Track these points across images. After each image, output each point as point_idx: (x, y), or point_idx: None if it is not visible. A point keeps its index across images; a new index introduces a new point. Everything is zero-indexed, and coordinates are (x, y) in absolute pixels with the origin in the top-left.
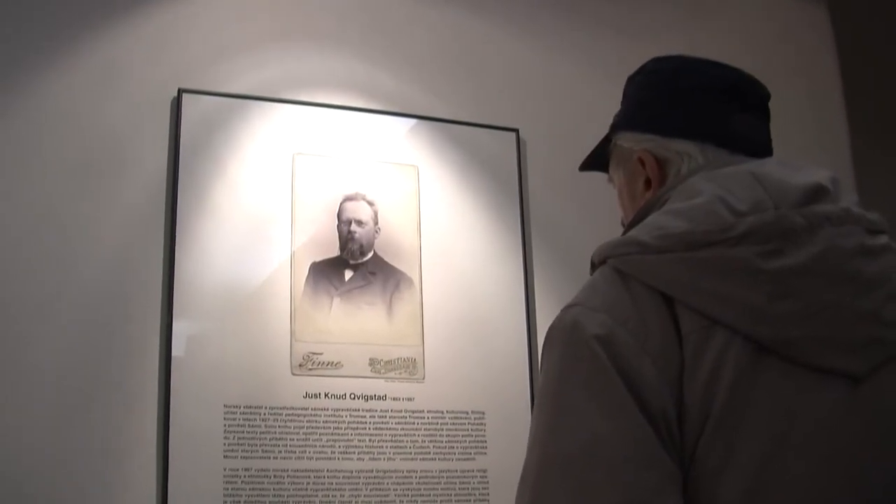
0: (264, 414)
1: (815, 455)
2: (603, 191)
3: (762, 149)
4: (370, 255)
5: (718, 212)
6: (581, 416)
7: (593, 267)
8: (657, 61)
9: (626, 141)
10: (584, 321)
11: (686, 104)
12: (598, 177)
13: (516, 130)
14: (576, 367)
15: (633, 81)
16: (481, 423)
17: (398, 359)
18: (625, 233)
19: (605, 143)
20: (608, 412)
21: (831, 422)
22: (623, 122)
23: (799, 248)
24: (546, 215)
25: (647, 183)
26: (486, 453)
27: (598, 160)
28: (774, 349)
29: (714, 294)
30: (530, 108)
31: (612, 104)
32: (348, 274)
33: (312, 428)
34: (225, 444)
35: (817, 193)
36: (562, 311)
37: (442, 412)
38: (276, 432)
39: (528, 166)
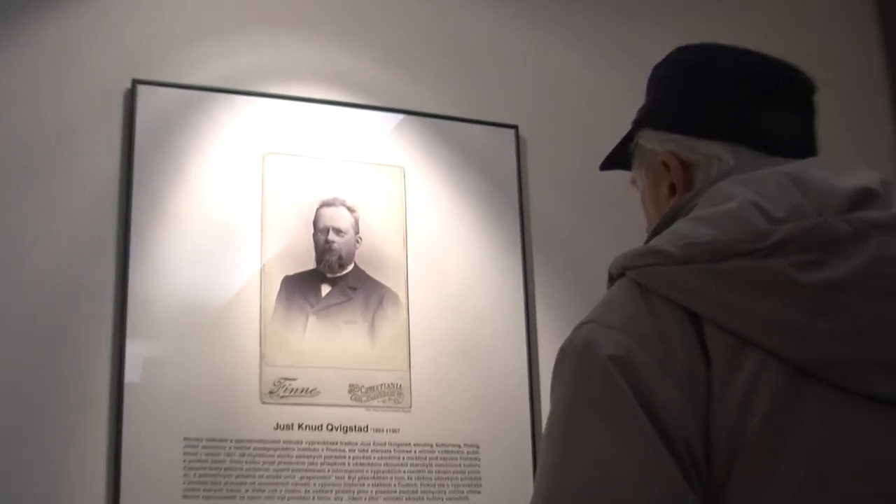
0: (230, 448)
1: (862, 495)
2: (615, 195)
3: (804, 148)
4: (350, 267)
5: (750, 218)
6: (594, 446)
7: (611, 280)
8: (682, 51)
9: (649, 141)
10: (599, 340)
11: (715, 99)
12: (608, 179)
13: (515, 127)
14: (589, 392)
15: (657, 72)
16: (475, 458)
17: (382, 385)
18: (647, 241)
19: (628, 141)
20: (625, 442)
21: (881, 456)
22: (646, 119)
23: (843, 260)
24: (549, 222)
25: (672, 188)
26: (480, 492)
27: (619, 159)
28: (815, 373)
29: (744, 311)
30: (530, 101)
31: (622, 96)
32: (325, 289)
33: (284, 463)
34: (185, 483)
35: (865, 198)
36: (574, 329)
37: (431, 445)
38: (243, 468)
39: (528, 167)
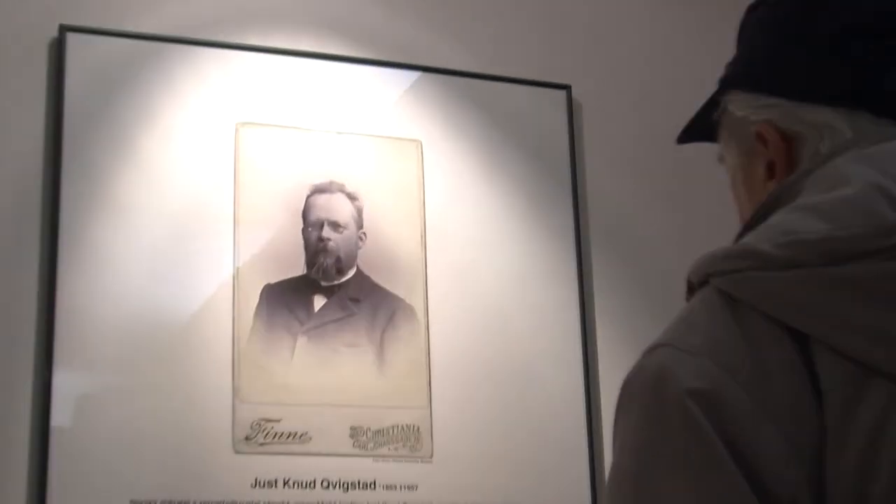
0: None
1: None
2: (697, 174)
3: None
4: (351, 273)
5: (875, 208)
6: None
7: (690, 289)
8: None
9: (741, 106)
10: (676, 369)
11: (828, 52)
12: (687, 154)
13: (567, 88)
14: (663, 439)
15: (751, 16)
16: None
17: (394, 427)
18: (738, 238)
19: (712, 106)
20: None
21: None
22: (736, 78)
23: None
24: (612, 211)
25: (771, 168)
26: None
27: (702, 129)
28: None
29: (869, 329)
30: (586, 55)
31: (702, 48)
32: (319, 301)
33: None
34: None
35: None
36: (644, 354)
37: None
38: None
39: (583, 139)
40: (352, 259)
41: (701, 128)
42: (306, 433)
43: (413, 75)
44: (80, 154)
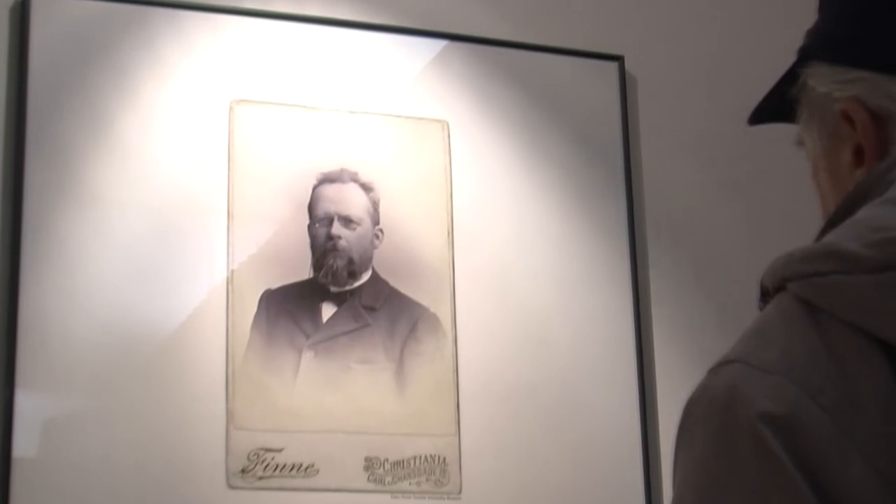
0: None
1: None
2: (772, 159)
3: None
4: (366, 277)
5: None
6: None
7: (764, 296)
8: None
9: (823, 81)
10: (748, 390)
11: None
12: (761, 136)
13: (619, 59)
14: (732, 471)
15: None
16: None
17: (416, 458)
18: (820, 236)
19: (790, 80)
20: None
21: None
22: (817, 48)
23: None
24: (671, 203)
25: (859, 153)
26: None
27: (778, 107)
28: None
29: None
30: (641, 22)
31: (777, 12)
32: (328, 310)
33: None
34: None
35: None
36: (710, 371)
37: None
38: None
39: (638, 119)
40: (366, 260)
41: (776, 106)
42: (313, 465)
43: (438, 44)
44: (46, 137)
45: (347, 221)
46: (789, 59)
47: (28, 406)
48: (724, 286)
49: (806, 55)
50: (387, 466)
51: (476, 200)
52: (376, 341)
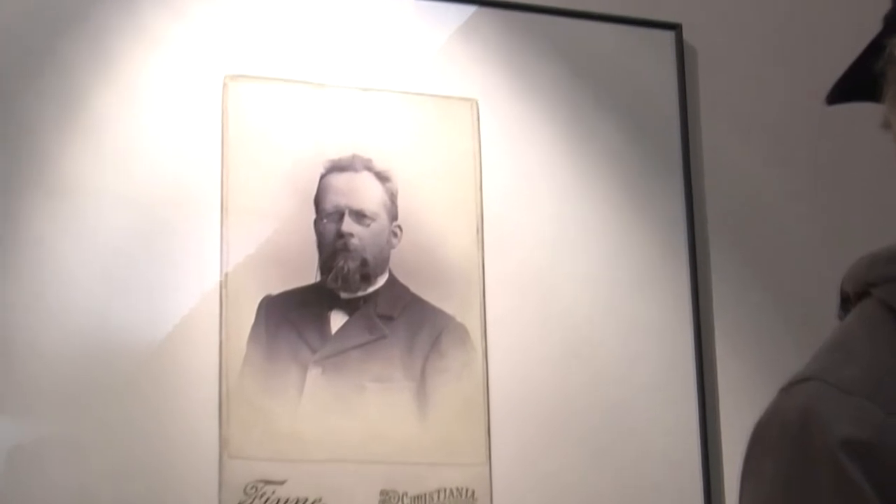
0: None
1: None
2: (854, 144)
3: None
4: (382, 281)
5: None
6: None
7: (845, 302)
8: None
9: None
10: (826, 413)
11: None
12: (840, 116)
13: (676, 27)
14: (809, 500)
15: None
16: None
17: (440, 491)
18: None
19: (872, 55)
20: None
21: None
22: None
23: None
24: (736, 194)
25: None
26: None
27: (861, 84)
28: None
29: None
30: None
31: None
32: (338, 320)
33: None
34: None
35: None
36: (782, 391)
37: None
38: None
39: (698, 95)
40: (382, 262)
41: (858, 83)
42: (320, 500)
43: (467, 10)
44: (12, 116)
45: (360, 216)
46: (874, 27)
47: None
48: (797, 292)
49: (893, 23)
50: (406, 501)
51: (509, 192)
52: (394, 356)
